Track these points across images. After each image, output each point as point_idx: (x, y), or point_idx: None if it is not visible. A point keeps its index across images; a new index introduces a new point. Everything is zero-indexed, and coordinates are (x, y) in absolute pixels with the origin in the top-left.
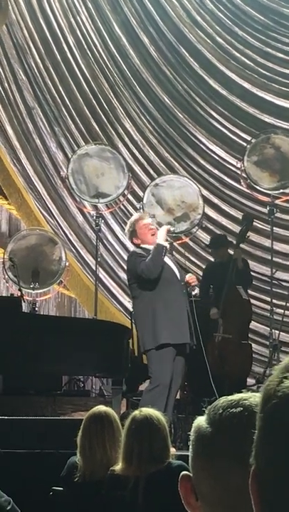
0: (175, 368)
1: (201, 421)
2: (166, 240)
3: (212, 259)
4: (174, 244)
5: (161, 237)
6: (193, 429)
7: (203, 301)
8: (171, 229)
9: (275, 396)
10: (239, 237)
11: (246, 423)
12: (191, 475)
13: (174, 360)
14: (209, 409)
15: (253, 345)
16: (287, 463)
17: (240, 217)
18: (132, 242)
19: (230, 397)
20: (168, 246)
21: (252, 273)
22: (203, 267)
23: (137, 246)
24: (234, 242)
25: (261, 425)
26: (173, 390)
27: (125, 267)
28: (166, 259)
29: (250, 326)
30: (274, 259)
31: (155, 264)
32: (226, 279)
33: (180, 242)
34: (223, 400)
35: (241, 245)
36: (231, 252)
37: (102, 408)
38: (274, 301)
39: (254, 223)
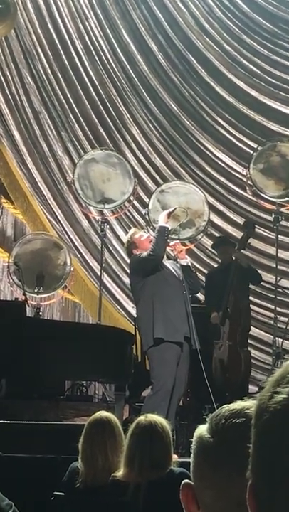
0: (178, 374)
1: (202, 430)
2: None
3: (215, 266)
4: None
5: (161, 220)
6: (194, 439)
7: (206, 307)
8: (171, 210)
9: (267, 411)
10: (241, 243)
11: (249, 434)
12: (193, 483)
13: (178, 365)
14: (211, 418)
15: (257, 352)
16: (282, 478)
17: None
18: (132, 254)
19: (232, 406)
20: (169, 227)
21: None
22: (206, 272)
23: None
24: (235, 245)
25: (255, 440)
26: (175, 396)
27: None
28: (166, 262)
29: (251, 333)
30: (279, 267)
31: (161, 242)
32: (227, 283)
33: (185, 248)
34: (226, 409)
35: (243, 251)
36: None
37: (103, 413)
38: (278, 309)
39: (259, 231)
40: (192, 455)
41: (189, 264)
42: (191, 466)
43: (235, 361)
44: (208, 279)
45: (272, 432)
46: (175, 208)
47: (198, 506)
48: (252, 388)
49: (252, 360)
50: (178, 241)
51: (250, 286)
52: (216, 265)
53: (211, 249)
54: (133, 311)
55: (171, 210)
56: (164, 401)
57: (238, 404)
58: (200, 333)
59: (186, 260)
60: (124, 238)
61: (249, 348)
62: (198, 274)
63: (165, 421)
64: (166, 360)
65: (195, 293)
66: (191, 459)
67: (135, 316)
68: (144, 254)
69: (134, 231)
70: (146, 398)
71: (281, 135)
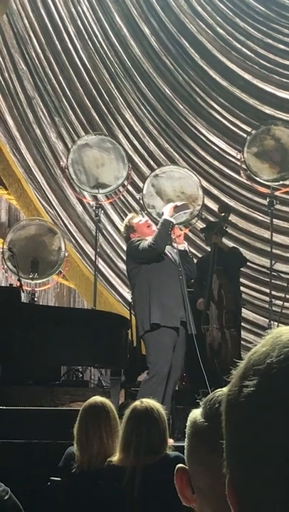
0: (174, 359)
1: (196, 414)
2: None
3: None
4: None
5: (167, 213)
6: (188, 423)
7: (195, 293)
8: (178, 204)
9: (238, 406)
10: (218, 228)
11: None
12: (187, 467)
13: (174, 350)
14: (205, 402)
15: (252, 336)
16: (260, 470)
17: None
18: (130, 238)
19: (226, 388)
20: (174, 222)
21: (252, 265)
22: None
23: None
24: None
25: (228, 436)
26: (171, 381)
27: (124, 258)
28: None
29: (247, 317)
30: (273, 250)
31: (163, 236)
32: (209, 268)
33: (182, 232)
34: (219, 393)
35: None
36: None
37: (98, 398)
38: (273, 292)
39: (254, 215)
40: (186, 439)
41: (186, 249)
42: (185, 451)
43: (220, 343)
44: (197, 267)
45: (245, 426)
46: (183, 203)
47: (193, 490)
48: None
49: (248, 344)
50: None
51: (243, 269)
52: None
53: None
54: (128, 296)
55: (178, 203)
56: (160, 386)
57: None
58: (195, 318)
59: (184, 245)
60: (122, 223)
61: (244, 332)
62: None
63: (160, 406)
64: (163, 344)
65: (191, 279)
66: (185, 444)
67: (130, 300)
68: (145, 243)
69: (132, 215)
70: (142, 383)
71: (275, 118)
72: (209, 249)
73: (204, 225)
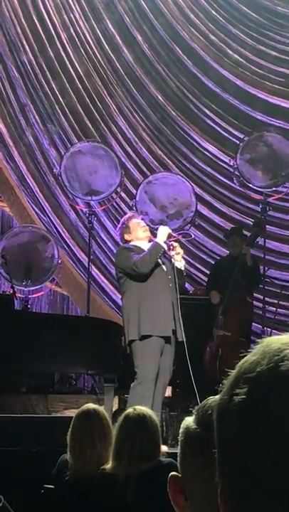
0: (162, 362)
1: (189, 422)
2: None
3: (203, 258)
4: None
5: (160, 238)
6: (181, 430)
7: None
8: (174, 234)
9: (228, 414)
10: (249, 240)
11: None
12: (180, 475)
13: (162, 355)
14: (198, 409)
15: None
16: (252, 479)
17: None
18: (123, 238)
19: (218, 397)
20: (166, 248)
21: None
22: (194, 263)
23: (127, 242)
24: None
25: (220, 444)
26: (160, 385)
27: None
28: None
29: (250, 327)
30: (266, 257)
31: (150, 261)
32: (232, 276)
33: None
34: (212, 400)
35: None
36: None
37: (91, 406)
38: (266, 299)
39: (247, 221)
40: (179, 447)
41: (183, 268)
42: (178, 458)
43: (228, 350)
44: (214, 267)
45: (236, 434)
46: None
47: (186, 498)
48: None
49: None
50: (177, 244)
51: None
52: (202, 255)
53: (198, 239)
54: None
55: (170, 232)
56: (149, 390)
57: None
58: (188, 324)
59: (181, 264)
60: (115, 230)
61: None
62: (187, 265)
63: (153, 412)
64: (150, 349)
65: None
66: (178, 451)
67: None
68: (131, 261)
69: (131, 214)
70: (131, 388)
71: (267, 125)
72: (210, 256)
73: (230, 230)
